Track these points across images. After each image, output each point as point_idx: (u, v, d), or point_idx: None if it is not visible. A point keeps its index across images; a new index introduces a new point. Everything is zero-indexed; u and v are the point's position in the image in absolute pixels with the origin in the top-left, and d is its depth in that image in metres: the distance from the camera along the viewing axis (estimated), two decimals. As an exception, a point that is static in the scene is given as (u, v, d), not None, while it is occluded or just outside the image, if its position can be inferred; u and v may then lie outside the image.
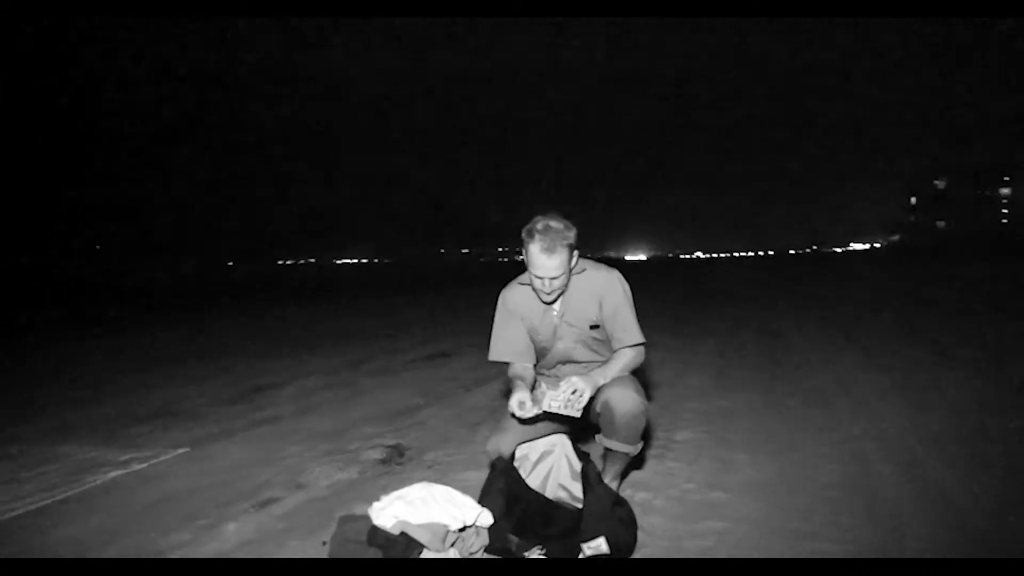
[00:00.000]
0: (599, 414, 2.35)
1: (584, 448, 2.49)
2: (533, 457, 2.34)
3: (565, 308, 2.48)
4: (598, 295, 2.45)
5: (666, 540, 2.19)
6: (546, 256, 2.27)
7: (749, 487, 2.62)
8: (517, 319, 2.57)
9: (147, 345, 8.77)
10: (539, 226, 2.29)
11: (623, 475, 2.54)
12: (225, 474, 3.16)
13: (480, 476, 2.90)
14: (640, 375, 2.51)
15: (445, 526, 1.92)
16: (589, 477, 2.13)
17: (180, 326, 11.41)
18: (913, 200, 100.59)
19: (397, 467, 3.13)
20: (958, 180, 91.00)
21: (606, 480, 2.34)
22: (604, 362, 2.47)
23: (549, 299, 2.42)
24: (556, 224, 2.29)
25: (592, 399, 2.36)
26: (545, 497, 2.24)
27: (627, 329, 2.45)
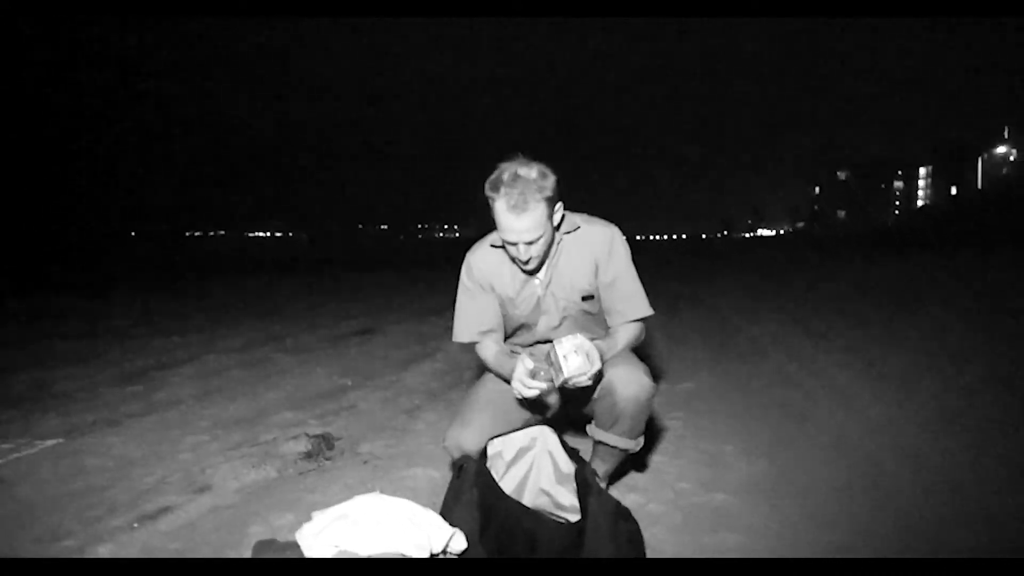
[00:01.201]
0: (596, 399, 1.89)
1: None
2: (508, 455, 1.85)
3: (552, 275, 1.99)
4: (594, 257, 1.97)
5: (678, 556, 1.76)
6: (515, 215, 1.77)
7: (751, 488, 2.22)
8: (487, 289, 2.06)
9: (21, 318, 7.70)
10: (505, 176, 1.78)
11: (613, 477, 2.11)
12: (104, 474, 2.52)
13: (428, 474, 2.42)
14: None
15: (406, 557, 1.42)
16: (588, 482, 1.66)
17: (65, 298, 10.18)
18: (817, 190, 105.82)
19: (326, 462, 2.58)
20: (858, 173, 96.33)
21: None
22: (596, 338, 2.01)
23: (529, 268, 1.92)
24: (527, 172, 1.78)
25: None
26: (524, 507, 1.76)
27: (631, 299, 1.99)
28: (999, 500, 2.06)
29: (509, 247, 1.87)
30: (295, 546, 1.46)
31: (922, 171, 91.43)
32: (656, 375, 1.92)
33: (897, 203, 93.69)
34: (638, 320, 2.01)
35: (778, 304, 7.75)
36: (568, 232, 1.97)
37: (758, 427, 2.93)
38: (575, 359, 1.69)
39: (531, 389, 1.76)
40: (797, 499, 2.12)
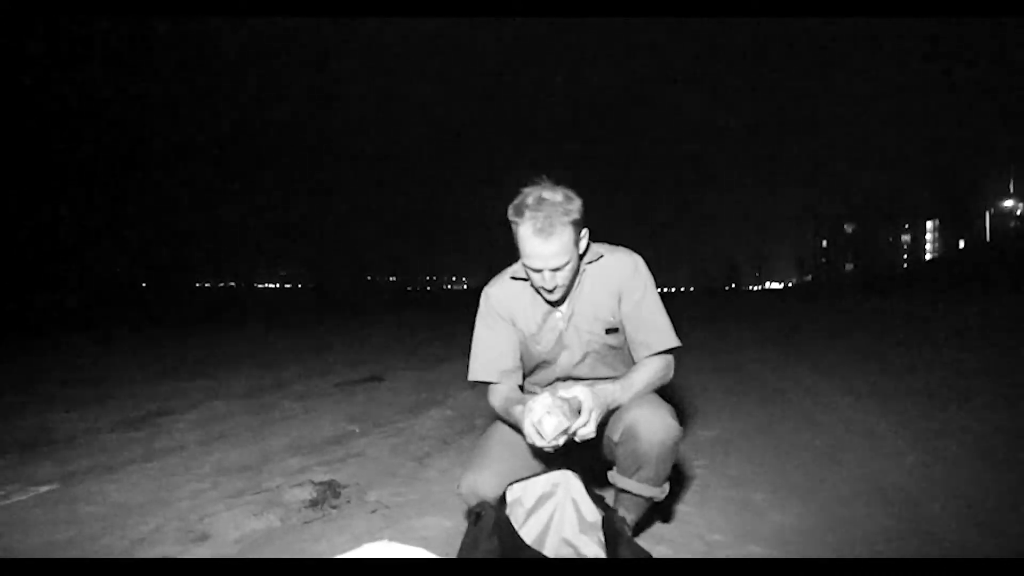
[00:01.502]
0: (618, 443, 1.77)
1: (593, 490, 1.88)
2: (528, 502, 1.72)
3: (574, 308, 1.90)
4: (618, 286, 1.88)
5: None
6: (542, 240, 1.69)
7: (788, 538, 2.07)
8: (507, 324, 1.96)
9: (25, 365, 7.61)
10: (530, 200, 1.71)
11: (638, 527, 1.96)
12: (98, 522, 2.38)
13: (440, 523, 2.28)
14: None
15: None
16: (617, 531, 1.53)
17: (70, 347, 10.12)
18: (824, 243, 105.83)
19: (332, 510, 2.44)
20: (865, 225, 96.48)
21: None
22: (617, 376, 1.89)
23: (554, 298, 1.83)
24: (552, 195, 1.71)
25: (603, 423, 1.79)
26: (548, 559, 1.63)
27: (656, 328, 1.88)
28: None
29: (533, 275, 1.78)
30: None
31: (929, 224, 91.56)
32: (679, 419, 1.80)
33: (905, 255, 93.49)
34: (663, 352, 1.89)
35: (796, 351, 7.60)
36: (591, 262, 1.89)
37: (786, 472, 2.78)
38: (549, 421, 1.56)
39: (543, 439, 1.57)
40: (836, 548, 1.97)
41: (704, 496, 2.50)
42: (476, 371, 1.99)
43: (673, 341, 1.89)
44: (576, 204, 1.74)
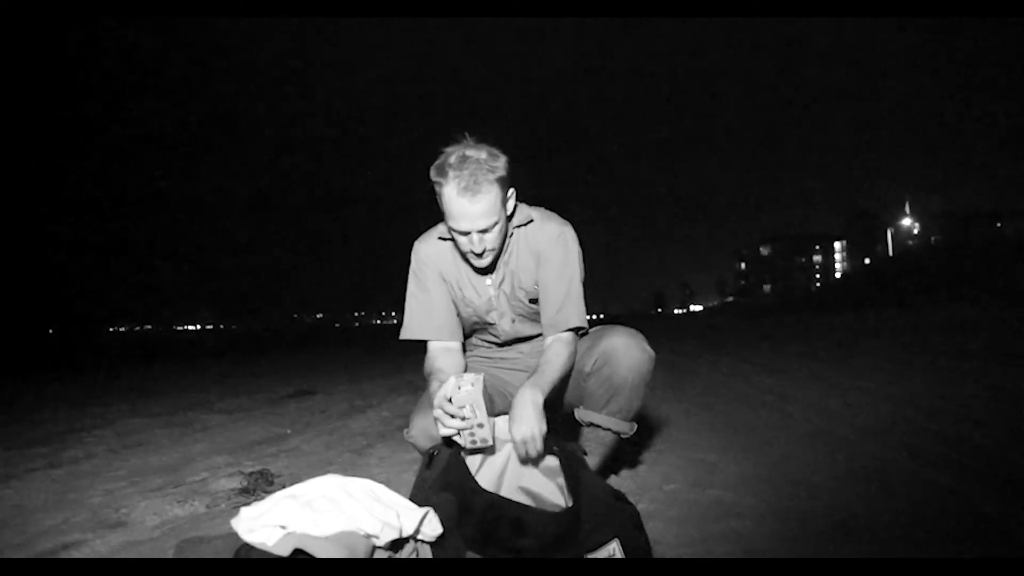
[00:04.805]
0: (590, 373, 1.70)
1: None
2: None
3: (504, 273, 1.78)
4: (538, 252, 1.77)
5: (685, 547, 1.52)
6: (468, 199, 1.56)
7: (745, 483, 2.04)
8: (438, 280, 1.83)
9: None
10: (452, 159, 1.58)
11: (602, 469, 1.87)
12: (-7, 523, 2.12)
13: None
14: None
15: (368, 538, 1.15)
16: (576, 460, 1.44)
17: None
18: (743, 265, 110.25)
19: (264, 495, 2.24)
20: (780, 248, 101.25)
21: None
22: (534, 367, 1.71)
23: (483, 264, 1.70)
24: (476, 153, 1.59)
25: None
26: (507, 499, 1.51)
27: (567, 305, 1.74)
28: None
29: (460, 239, 1.65)
30: (231, 536, 1.17)
31: (837, 245, 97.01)
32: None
33: (818, 275, 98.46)
34: (571, 331, 1.74)
35: (728, 351, 7.77)
36: (520, 225, 1.78)
37: (733, 437, 2.79)
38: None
39: (447, 427, 1.46)
40: (795, 488, 1.95)
41: (656, 458, 2.45)
42: (410, 329, 1.85)
43: (580, 321, 1.75)
44: (501, 161, 1.62)
